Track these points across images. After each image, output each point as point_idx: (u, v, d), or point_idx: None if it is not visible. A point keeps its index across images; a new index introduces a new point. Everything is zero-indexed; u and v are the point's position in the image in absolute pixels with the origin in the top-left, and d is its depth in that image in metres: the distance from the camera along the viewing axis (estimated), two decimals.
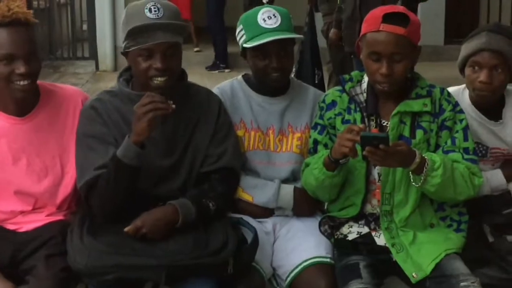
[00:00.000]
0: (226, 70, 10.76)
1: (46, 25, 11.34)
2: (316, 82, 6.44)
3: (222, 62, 10.97)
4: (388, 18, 2.68)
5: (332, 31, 6.50)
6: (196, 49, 11.90)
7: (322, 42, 7.01)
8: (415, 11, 8.48)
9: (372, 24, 2.72)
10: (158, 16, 2.67)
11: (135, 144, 2.55)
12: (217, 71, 10.82)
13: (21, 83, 2.63)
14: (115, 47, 10.71)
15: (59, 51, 11.81)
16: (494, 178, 3.07)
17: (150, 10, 2.68)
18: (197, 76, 9.56)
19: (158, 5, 2.70)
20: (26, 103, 2.76)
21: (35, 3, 10.97)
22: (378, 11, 2.74)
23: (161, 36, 2.65)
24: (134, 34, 2.67)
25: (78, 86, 9.32)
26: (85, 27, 11.68)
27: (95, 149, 2.69)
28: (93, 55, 11.11)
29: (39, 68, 2.71)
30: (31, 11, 2.70)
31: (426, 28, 11.74)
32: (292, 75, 6.62)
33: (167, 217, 2.61)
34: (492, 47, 2.91)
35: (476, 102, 3.02)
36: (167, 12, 2.71)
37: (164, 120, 2.68)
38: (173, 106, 2.56)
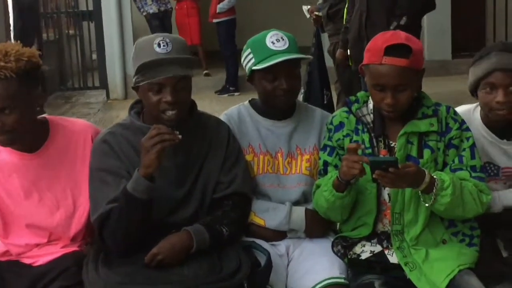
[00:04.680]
0: (236, 94, 10.83)
1: (56, 56, 11.46)
2: (325, 102, 6.49)
3: (232, 85, 11.04)
4: (390, 50, 2.69)
5: (339, 51, 6.54)
6: (205, 72, 11.94)
7: (329, 62, 7.06)
8: (419, 27, 8.54)
9: (375, 56, 2.73)
10: (167, 50, 2.71)
11: (145, 177, 2.58)
12: (226, 95, 10.89)
13: None
14: (125, 76, 10.81)
15: (69, 81, 11.94)
16: (506, 197, 3.05)
17: (159, 45, 2.72)
18: (206, 100, 9.64)
19: (167, 40, 2.74)
20: (32, 140, 2.79)
21: (44, 35, 11.10)
22: (380, 42, 2.74)
23: (170, 70, 2.69)
24: (144, 69, 2.71)
25: (89, 116, 9.52)
26: (94, 56, 11.80)
27: (108, 182, 2.72)
28: (103, 84, 11.21)
29: (15, 123, 2.63)
30: (19, 66, 2.62)
31: (433, 43, 11.80)
32: (301, 96, 6.74)
33: (182, 243, 2.64)
34: (505, 66, 2.91)
35: (490, 121, 3.02)
36: (175, 46, 2.74)
37: (175, 152, 2.73)
38: (180, 136, 2.59)
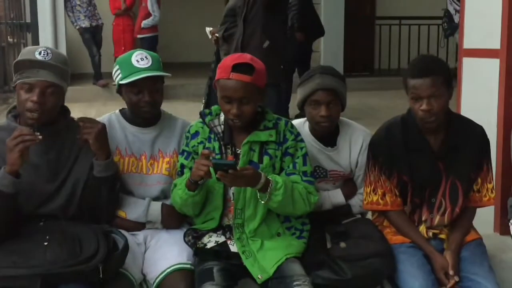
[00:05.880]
0: None
1: (1, 62, 11.33)
2: None
3: None
4: (237, 67, 2.81)
5: None
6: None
7: None
8: (311, 50, 8.75)
9: (224, 72, 2.84)
10: (45, 58, 2.74)
11: (10, 174, 2.60)
12: None
13: None
14: None
15: (8, 85, 11.72)
16: (335, 196, 3.23)
17: (39, 53, 2.75)
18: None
19: (48, 50, 2.78)
20: None
21: None
22: (229, 61, 2.87)
23: (43, 75, 2.72)
24: (20, 69, 2.74)
25: None
26: None
27: None
28: None
29: None
30: None
31: (328, 63, 12.04)
32: (201, 106, 6.80)
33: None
34: (326, 86, 3.07)
35: (317, 132, 3.19)
36: (55, 57, 2.78)
37: (47, 151, 2.78)
38: (40, 137, 2.62)
